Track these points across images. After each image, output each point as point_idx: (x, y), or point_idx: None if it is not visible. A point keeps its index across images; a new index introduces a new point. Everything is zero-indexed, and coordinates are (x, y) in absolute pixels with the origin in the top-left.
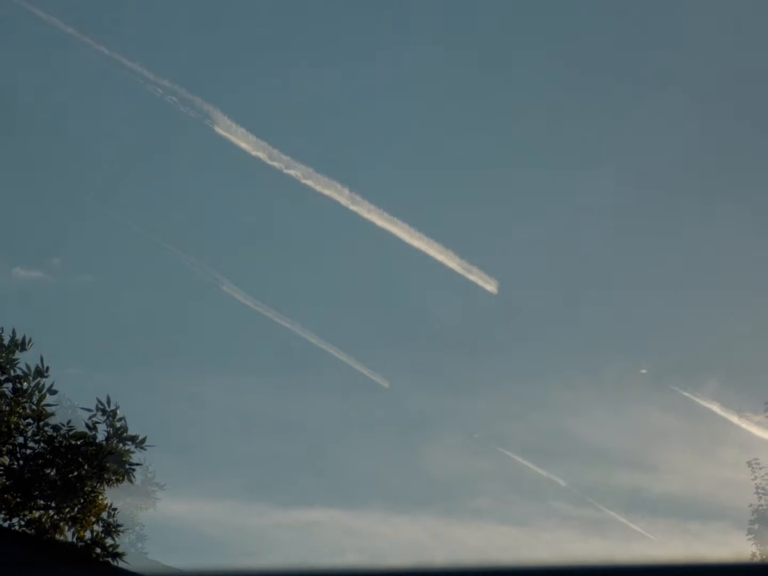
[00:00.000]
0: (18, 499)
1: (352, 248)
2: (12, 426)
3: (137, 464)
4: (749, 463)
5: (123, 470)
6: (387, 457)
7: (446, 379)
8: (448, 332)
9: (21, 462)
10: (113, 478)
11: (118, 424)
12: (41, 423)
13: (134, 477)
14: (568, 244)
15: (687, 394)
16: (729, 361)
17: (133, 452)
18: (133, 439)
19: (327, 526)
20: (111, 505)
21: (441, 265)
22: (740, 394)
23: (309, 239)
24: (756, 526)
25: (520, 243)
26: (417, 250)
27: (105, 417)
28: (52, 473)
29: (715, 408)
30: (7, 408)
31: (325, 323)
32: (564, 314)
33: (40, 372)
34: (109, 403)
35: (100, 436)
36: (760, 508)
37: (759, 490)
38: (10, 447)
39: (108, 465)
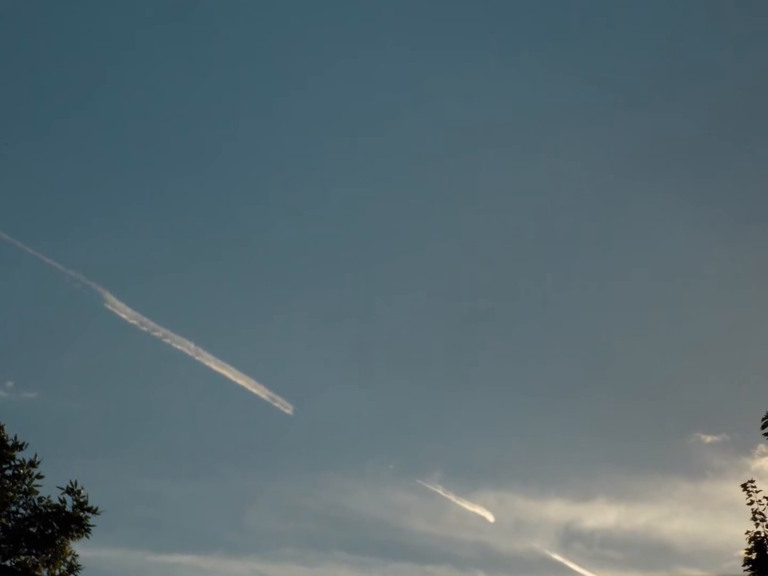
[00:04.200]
0: (10, 547)
1: (193, 390)
2: (9, 499)
3: (93, 525)
4: (744, 486)
5: (83, 530)
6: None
7: None
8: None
9: (13, 522)
10: (76, 534)
11: (81, 499)
12: (29, 497)
13: (90, 534)
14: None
15: (420, 481)
16: (450, 454)
17: (89, 517)
18: (90, 509)
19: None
20: (74, 552)
21: (253, 395)
22: (458, 479)
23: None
24: (753, 556)
25: (312, 374)
26: (240, 387)
27: (72, 494)
28: (34, 530)
29: (439, 490)
30: (8, 486)
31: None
32: (335, 420)
33: (33, 463)
34: (75, 484)
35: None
36: (758, 536)
37: (756, 515)
38: (6, 513)
39: (72, 526)
